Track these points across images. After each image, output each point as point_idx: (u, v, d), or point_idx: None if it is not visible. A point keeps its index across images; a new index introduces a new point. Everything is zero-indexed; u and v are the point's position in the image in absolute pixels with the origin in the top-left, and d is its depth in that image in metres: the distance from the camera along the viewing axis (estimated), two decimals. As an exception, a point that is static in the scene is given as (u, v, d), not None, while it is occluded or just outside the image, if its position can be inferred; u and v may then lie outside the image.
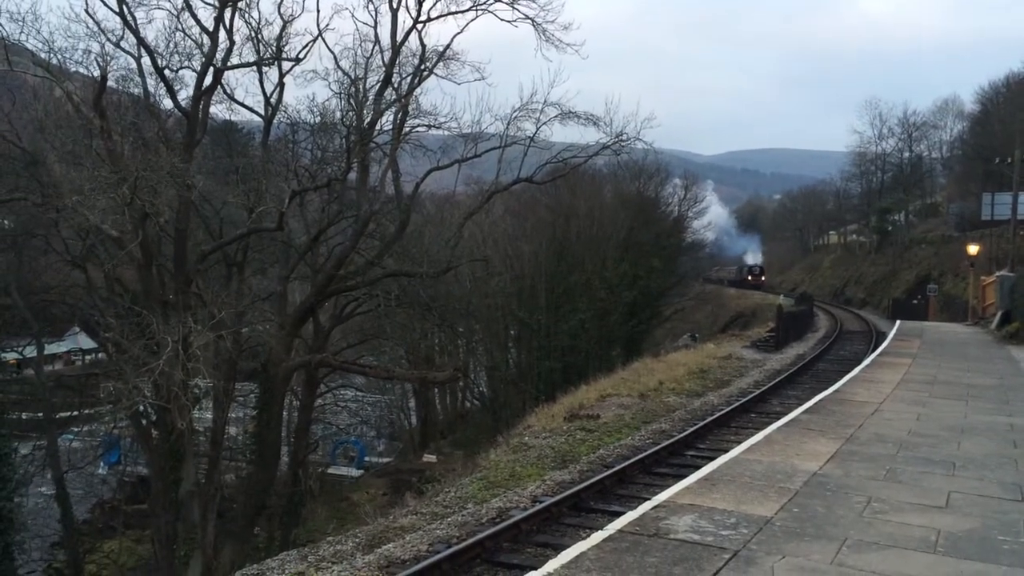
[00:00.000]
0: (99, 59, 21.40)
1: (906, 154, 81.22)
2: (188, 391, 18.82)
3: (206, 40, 23.09)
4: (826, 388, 16.01)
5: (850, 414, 12.32)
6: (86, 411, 29.04)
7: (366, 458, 39.57)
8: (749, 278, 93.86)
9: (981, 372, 18.50)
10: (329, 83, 26.00)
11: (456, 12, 24.89)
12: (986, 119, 63.61)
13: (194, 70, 23.34)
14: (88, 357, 43.79)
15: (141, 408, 21.82)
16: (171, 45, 23.11)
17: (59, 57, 22.08)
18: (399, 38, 24.64)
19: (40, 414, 27.60)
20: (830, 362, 28.42)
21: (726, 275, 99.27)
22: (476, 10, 24.85)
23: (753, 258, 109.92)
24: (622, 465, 13.52)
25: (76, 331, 39.39)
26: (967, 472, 8.86)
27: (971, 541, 6.53)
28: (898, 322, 35.76)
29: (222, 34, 23.03)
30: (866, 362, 20.72)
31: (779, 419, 12.37)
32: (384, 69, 24.75)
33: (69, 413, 29.10)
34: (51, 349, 36.92)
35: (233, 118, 28.83)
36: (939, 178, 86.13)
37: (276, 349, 23.25)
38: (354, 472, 37.02)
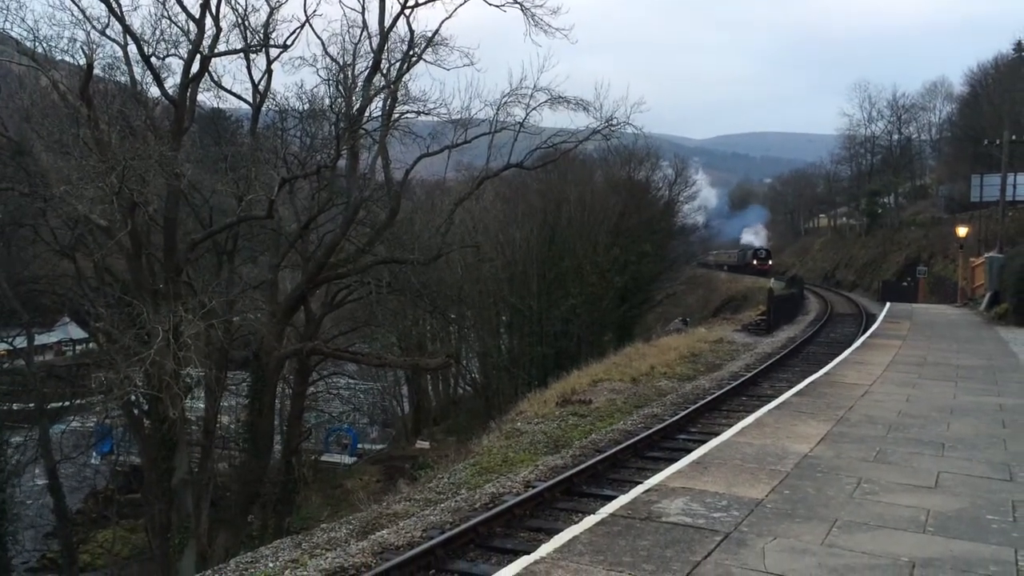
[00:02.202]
0: (85, 47, 21.29)
1: (895, 136, 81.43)
2: (180, 380, 18.82)
3: (192, 27, 22.94)
4: (817, 371, 16.10)
5: (840, 396, 12.38)
6: (78, 401, 28.99)
7: (359, 445, 39.64)
8: (754, 262, 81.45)
9: (970, 353, 18.61)
10: (317, 70, 25.98)
11: (444, -4, 24.76)
12: (975, 101, 63.69)
13: (181, 58, 23.23)
14: (79, 347, 43.70)
15: (133, 398, 21.78)
16: (157, 32, 23.00)
17: (44, 46, 21.97)
18: (387, 24, 24.54)
19: (31, 405, 27.53)
20: (821, 345, 28.53)
21: (726, 259, 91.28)
22: (465, -6, 24.71)
23: (758, 240, 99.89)
24: (614, 450, 13.57)
25: (66, 321, 39.27)
26: (956, 452, 8.92)
27: (960, 521, 6.58)
28: (888, 304, 35.91)
29: (208, 21, 22.88)
30: (856, 344, 20.82)
31: (770, 402, 12.42)
32: (372, 55, 24.64)
33: (61, 403, 29.03)
34: (41, 339, 36.75)
35: (221, 106, 28.73)
36: (928, 160, 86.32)
37: (267, 337, 23.21)
38: (347, 459, 37.09)
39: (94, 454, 31.50)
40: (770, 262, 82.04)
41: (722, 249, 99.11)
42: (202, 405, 25.57)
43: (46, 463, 26.83)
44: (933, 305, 38.31)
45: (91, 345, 35.66)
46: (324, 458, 36.24)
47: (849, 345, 21.72)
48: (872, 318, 32.58)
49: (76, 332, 40.86)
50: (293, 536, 13.70)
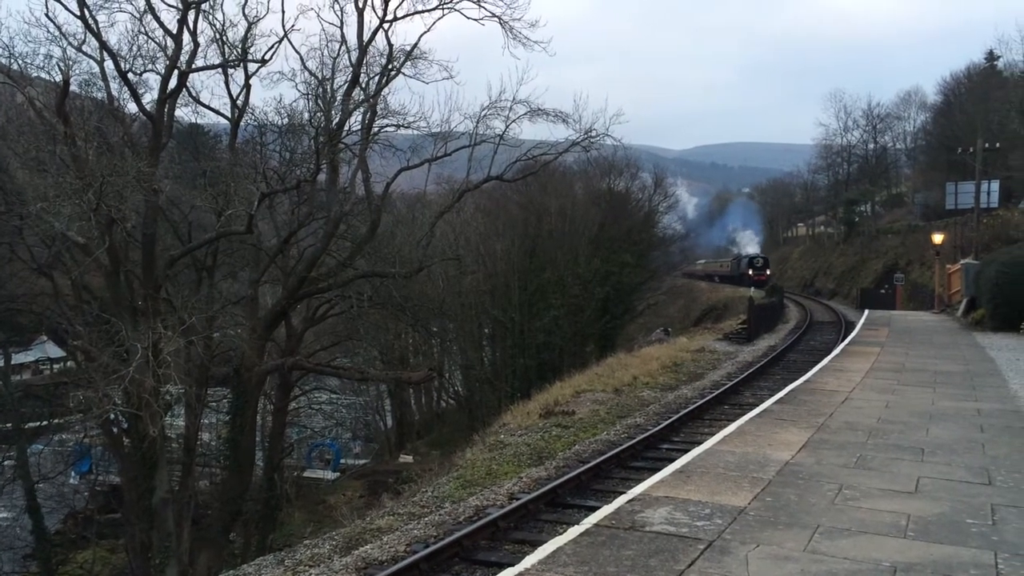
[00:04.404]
0: (61, 64, 21.15)
1: (871, 145, 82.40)
2: (159, 398, 18.64)
3: (170, 43, 22.86)
4: (797, 378, 16.18)
5: (821, 403, 12.46)
6: (56, 421, 28.63)
7: (342, 460, 39.44)
8: (750, 272, 70.33)
9: (948, 359, 18.79)
10: (296, 84, 25.90)
11: (422, 11, 24.90)
12: (949, 110, 64.55)
13: (158, 73, 23.13)
14: (56, 366, 43.16)
15: (112, 416, 21.58)
16: (134, 48, 22.89)
17: (20, 62, 21.82)
18: (366, 38, 24.58)
19: (8, 425, 27.18)
20: (801, 352, 28.71)
21: (717, 269, 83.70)
22: (442, 8, 24.86)
23: (754, 247, 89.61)
24: (598, 460, 13.58)
25: (44, 340, 38.85)
26: (936, 457, 8.99)
27: (940, 525, 6.63)
28: (867, 312, 36.23)
29: (186, 36, 22.83)
30: (836, 351, 20.96)
31: (751, 410, 12.48)
32: (351, 69, 24.65)
33: (38, 423, 28.68)
34: (18, 359, 36.34)
35: (199, 121, 28.64)
36: (904, 168, 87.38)
37: (248, 353, 23.07)
38: (330, 475, 36.87)
39: (73, 474, 31.12)
40: (768, 271, 72.14)
41: (711, 258, 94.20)
42: (182, 422, 25.34)
43: (24, 483, 26.48)
44: (911, 312, 38.71)
45: (69, 364, 35.29)
46: (307, 474, 36.01)
47: (829, 352, 21.87)
48: (851, 325, 32.85)
49: (54, 351, 40.45)
50: (276, 553, 13.62)
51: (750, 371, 23.76)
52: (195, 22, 23.04)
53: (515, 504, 11.35)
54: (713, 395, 19.73)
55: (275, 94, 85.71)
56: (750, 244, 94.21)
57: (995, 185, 41.63)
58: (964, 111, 57.22)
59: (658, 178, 60.38)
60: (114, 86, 23.20)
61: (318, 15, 31.85)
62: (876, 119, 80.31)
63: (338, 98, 24.49)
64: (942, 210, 50.42)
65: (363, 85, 25.04)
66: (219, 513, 24.14)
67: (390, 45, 24.98)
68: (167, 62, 22.72)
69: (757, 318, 36.45)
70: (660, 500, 7.36)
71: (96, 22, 21.83)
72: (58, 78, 20.88)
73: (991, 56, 64.99)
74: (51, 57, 22.16)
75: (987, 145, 37.73)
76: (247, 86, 25.07)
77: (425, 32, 26.50)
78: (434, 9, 24.79)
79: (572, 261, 41.46)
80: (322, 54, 25.46)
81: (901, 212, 76.84)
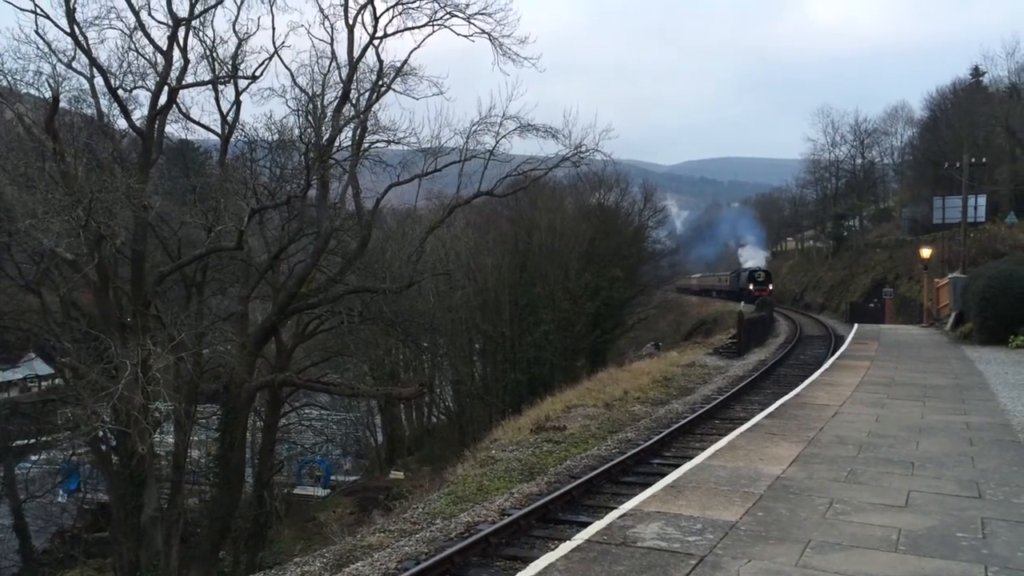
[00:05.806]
0: (50, 80, 21.13)
1: (859, 160, 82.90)
2: (148, 415, 18.56)
3: (160, 59, 22.89)
4: (787, 392, 16.20)
5: (811, 417, 12.49)
6: (43, 438, 28.43)
7: (332, 477, 39.22)
8: (751, 287, 65.36)
9: (937, 372, 18.85)
10: (286, 100, 25.87)
11: (412, 28, 24.96)
12: (935, 125, 65.14)
13: (148, 89, 23.15)
14: (44, 383, 42.88)
15: (100, 433, 21.43)
16: (124, 65, 22.92)
17: (9, 79, 21.80)
18: (356, 54, 24.64)
19: (-5, 443, 26.95)
20: (791, 367, 28.76)
21: (715, 283, 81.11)
22: (432, 25, 24.93)
23: (755, 260, 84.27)
24: (589, 475, 13.56)
25: (32, 357, 38.66)
26: (926, 471, 9.02)
27: (931, 539, 6.64)
28: (856, 325, 36.35)
29: (176, 53, 22.87)
30: (826, 366, 21.02)
31: (742, 424, 12.49)
32: (342, 85, 24.69)
33: (26, 441, 28.46)
34: (6, 376, 36.13)
35: (189, 137, 28.66)
36: (891, 183, 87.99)
37: (238, 370, 22.98)
38: (320, 491, 36.67)
39: (60, 492, 30.86)
40: (770, 286, 67.27)
41: (706, 272, 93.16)
42: (171, 439, 25.20)
43: (11, 502, 26.27)
44: (900, 326, 38.85)
45: (57, 381, 35.06)
46: (297, 491, 35.80)
47: (819, 367, 21.93)
48: (841, 339, 32.95)
49: (42, 368, 40.19)
50: (265, 571, 13.54)
51: (741, 385, 23.79)
52: (185, 39, 23.10)
53: (506, 520, 11.31)
54: (704, 409, 19.74)
55: (265, 110, 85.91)
56: (753, 256, 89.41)
57: (982, 200, 41.98)
58: (950, 126, 57.74)
59: (648, 193, 60.63)
60: (104, 102, 23.22)
61: (308, 32, 32.06)
62: (863, 134, 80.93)
63: (328, 114, 24.52)
64: (930, 224, 50.76)
65: (353, 101, 25.09)
66: (208, 531, 23.97)
67: (380, 61, 25.08)
68: (157, 78, 22.75)
69: (747, 332, 36.54)
70: (652, 515, 7.35)
71: (86, 39, 21.87)
72: (47, 94, 20.88)
73: (977, 72, 65.67)
74: (41, 73, 22.19)
75: (973, 160, 38.05)
76: (237, 102, 25.11)
77: (415, 48, 26.52)
78: (424, 26, 24.89)
79: (562, 276, 41.54)
80: (312, 70, 25.50)
81: (889, 226, 77.31)
